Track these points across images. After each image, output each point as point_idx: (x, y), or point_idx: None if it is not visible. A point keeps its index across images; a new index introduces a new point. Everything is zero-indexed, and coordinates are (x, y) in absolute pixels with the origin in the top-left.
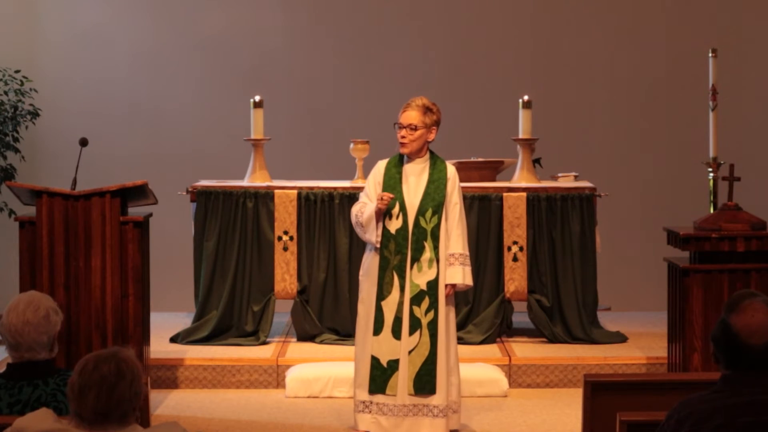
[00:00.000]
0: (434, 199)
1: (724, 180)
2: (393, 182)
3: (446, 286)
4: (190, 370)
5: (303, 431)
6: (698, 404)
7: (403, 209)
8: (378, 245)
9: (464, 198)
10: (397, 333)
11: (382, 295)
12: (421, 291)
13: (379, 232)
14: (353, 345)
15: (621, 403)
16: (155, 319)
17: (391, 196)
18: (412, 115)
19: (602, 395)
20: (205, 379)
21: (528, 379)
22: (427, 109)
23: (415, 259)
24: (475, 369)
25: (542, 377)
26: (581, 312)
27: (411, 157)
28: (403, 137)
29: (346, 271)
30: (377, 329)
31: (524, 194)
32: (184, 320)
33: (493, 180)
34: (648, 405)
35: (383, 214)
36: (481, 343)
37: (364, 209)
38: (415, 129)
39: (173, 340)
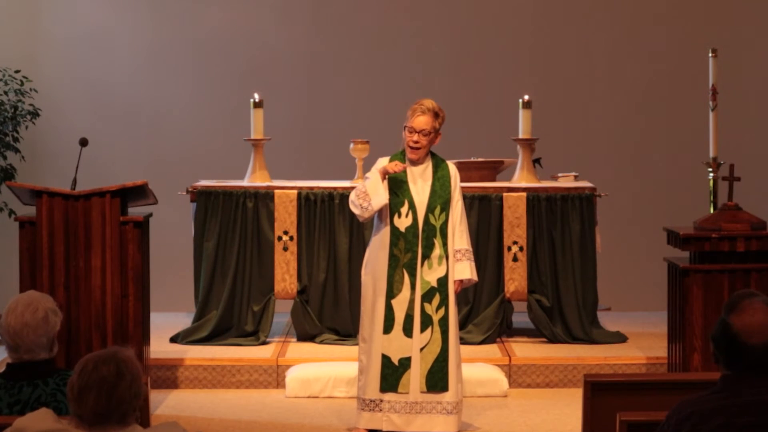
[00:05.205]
0: (441, 197)
1: (724, 180)
2: (399, 181)
3: (455, 282)
4: (190, 370)
5: (303, 431)
6: (698, 404)
7: (412, 207)
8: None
9: (464, 198)
10: (408, 331)
11: (392, 293)
12: (432, 288)
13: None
14: (353, 345)
15: (621, 403)
16: (155, 319)
17: (404, 166)
18: (424, 120)
19: (602, 395)
20: (205, 379)
21: (528, 379)
22: (435, 114)
23: (426, 256)
24: (475, 369)
25: (542, 377)
26: (581, 312)
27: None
28: (416, 142)
29: (346, 271)
30: (387, 327)
31: (524, 194)
32: (184, 320)
33: (493, 180)
34: (648, 405)
35: (392, 210)
36: (481, 343)
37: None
38: (428, 134)
39: (173, 340)
